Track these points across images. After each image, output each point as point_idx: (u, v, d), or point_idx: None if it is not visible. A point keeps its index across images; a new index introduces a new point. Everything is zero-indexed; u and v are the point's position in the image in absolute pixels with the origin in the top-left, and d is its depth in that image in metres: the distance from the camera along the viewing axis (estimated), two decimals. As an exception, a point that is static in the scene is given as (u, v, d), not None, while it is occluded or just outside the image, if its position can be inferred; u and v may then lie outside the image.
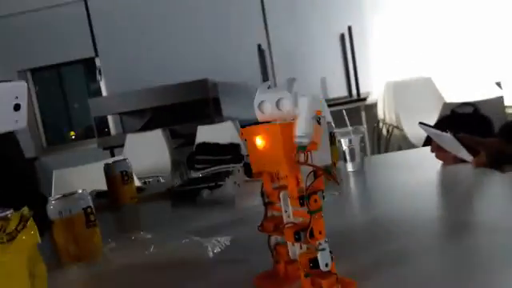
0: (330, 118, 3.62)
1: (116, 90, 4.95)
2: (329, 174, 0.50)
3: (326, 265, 0.50)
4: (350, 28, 4.63)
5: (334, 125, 1.29)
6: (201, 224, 0.92)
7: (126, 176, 1.17)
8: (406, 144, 3.83)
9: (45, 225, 0.76)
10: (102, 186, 1.22)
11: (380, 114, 4.66)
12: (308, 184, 0.49)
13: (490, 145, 0.90)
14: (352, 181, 1.09)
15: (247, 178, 0.57)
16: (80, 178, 2.10)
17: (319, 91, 4.81)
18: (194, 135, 4.05)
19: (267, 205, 0.56)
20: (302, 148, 0.48)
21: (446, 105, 2.65)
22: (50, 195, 2.09)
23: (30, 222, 0.56)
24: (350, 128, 1.16)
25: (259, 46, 4.83)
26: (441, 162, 1.05)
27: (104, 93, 5.22)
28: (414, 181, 1.01)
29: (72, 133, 5.71)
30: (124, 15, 4.98)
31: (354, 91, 4.70)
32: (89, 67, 5.45)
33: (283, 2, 4.83)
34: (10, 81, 0.62)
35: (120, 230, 1.03)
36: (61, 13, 5.04)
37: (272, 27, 4.86)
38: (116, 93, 4.91)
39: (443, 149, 1.00)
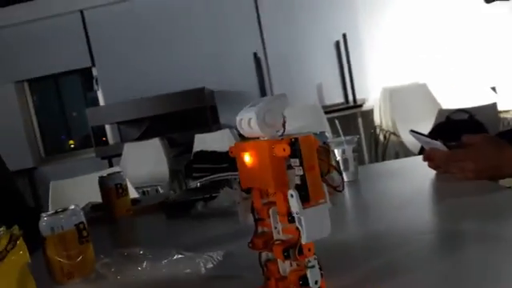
0: (326, 128, 3.63)
1: (113, 99, 4.96)
2: (340, 174, 0.51)
3: (316, 282, 0.50)
4: (344, 35, 4.66)
5: (328, 134, 1.30)
6: (195, 237, 0.91)
7: (121, 189, 1.17)
8: (402, 150, 3.84)
9: (36, 241, 0.76)
10: (100, 197, 1.22)
11: (376, 120, 4.68)
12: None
13: (475, 157, 0.90)
14: (346, 191, 1.09)
15: (245, 195, 0.57)
16: (77, 189, 2.09)
17: (316, 98, 4.83)
18: (191, 143, 4.06)
19: (257, 221, 0.56)
20: None
21: (441, 111, 2.66)
22: (48, 206, 2.09)
23: (20, 242, 0.56)
24: (343, 138, 1.16)
25: (255, 54, 4.85)
26: (434, 171, 1.05)
27: (101, 102, 5.23)
28: (407, 190, 1.01)
29: (71, 141, 5.72)
30: (120, 25, 5.00)
31: (351, 98, 4.72)
32: (86, 77, 5.46)
33: (278, 10, 4.86)
34: None
35: (114, 245, 1.03)
36: (57, 23, 5.06)
37: (267, 35, 4.88)
38: (113, 102, 4.92)
39: (435, 158, 1.01)
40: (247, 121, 0.52)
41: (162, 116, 4.58)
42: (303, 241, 0.47)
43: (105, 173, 1.24)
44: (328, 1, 4.79)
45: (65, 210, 0.78)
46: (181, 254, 0.72)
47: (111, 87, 5.09)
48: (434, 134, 2.27)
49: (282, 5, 4.86)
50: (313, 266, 0.50)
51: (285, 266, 0.53)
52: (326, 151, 1.07)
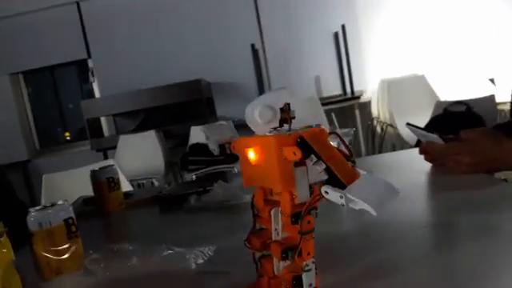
0: (323, 120, 3.61)
1: (109, 91, 4.92)
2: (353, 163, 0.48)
3: (310, 285, 0.49)
4: (343, 26, 4.63)
5: (324, 126, 1.28)
6: (187, 232, 0.90)
7: (113, 183, 1.15)
8: (399, 142, 3.83)
9: (24, 236, 0.74)
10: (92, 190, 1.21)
11: (374, 111, 4.66)
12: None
13: (471, 150, 0.89)
14: (342, 184, 1.08)
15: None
16: (70, 182, 2.08)
17: (313, 90, 4.80)
18: (187, 136, 4.03)
19: (255, 217, 0.54)
20: None
21: (438, 103, 2.65)
22: (40, 200, 2.07)
23: (4, 239, 0.54)
24: (339, 131, 1.14)
25: (253, 46, 4.81)
26: (430, 164, 1.03)
27: (97, 94, 5.19)
28: (404, 183, 0.99)
29: (67, 134, 5.68)
30: (116, 17, 4.96)
31: (349, 89, 4.70)
32: (81, 69, 5.42)
33: (276, 1, 4.82)
34: None
35: (105, 240, 1.01)
36: (53, 15, 5.00)
37: (265, 27, 4.84)
38: (109, 94, 4.88)
39: (432, 151, 0.99)
40: (260, 110, 0.49)
41: (157, 108, 4.55)
42: (373, 212, 0.43)
43: (97, 166, 1.22)
44: (326, -8, 4.75)
45: (53, 204, 0.76)
46: (171, 250, 0.70)
47: (107, 79, 5.05)
48: (432, 126, 2.26)
49: (279, -4, 4.82)
50: (309, 270, 0.48)
51: (280, 265, 0.51)
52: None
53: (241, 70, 4.85)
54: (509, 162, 0.86)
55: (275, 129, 0.49)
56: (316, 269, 0.49)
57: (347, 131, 1.10)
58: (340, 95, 4.75)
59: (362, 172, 0.46)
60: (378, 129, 4.49)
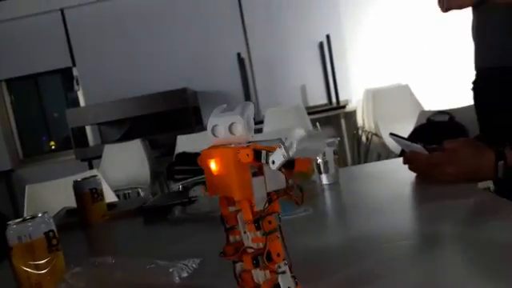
0: (309, 129, 3.62)
1: (94, 99, 4.88)
2: (300, 190, 0.50)
3: (289, 288, 0.49)
4: (328, 36, 4.67)
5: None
6: (171, 244, 0.89)
7: (96, 194, 1.13)
8: (385, 151, 3.87)
9: (4, 250, 0.72)
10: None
11: (359, 121, 4.70)
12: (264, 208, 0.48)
13: (454, 161, 0.90)
14: (327, 194, 1.09)
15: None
16: (53, 192, 2.04)
17: (299, 99, 4.83)
18: (173, 145, 4.01)
19: (228, 230, 0.55)
20: None
21: (422, 113, 2.68)
22: (23, 211, 2.03)
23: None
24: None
25: (239, 55, 4.83)
26: (414, 174, 1.04)
27: (82, 103, 5.14)
28: (387, 193, 1.00)
29: (52, 143, 5.61)
30: (101, 24, 4.93)
31: (334, 99, 4.74)
32: (66, 77, 5.37)
33: (262, 10, 4.85)
34: None
35: (87, 253, 0.99)
36: (37, 22, 4.96)
37: (251, 36, 4.87)
38: (94, 103, 4.84)
39: (415, 161, 1.00)
40: (227, 126, 0.51)
41: (143, 117, 4.52)
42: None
43: (80, 177, 1.20)
44: (312, 2, 4.79)
45: (34, 217, 0.75)
46: (154, 263, 0.69)
47: (92, 87, 5.01)
48: (415, 135, 2.28)
49: (265, 6, 4.85)
50: (283, 272, 0.49)
51: (258, 274, 0.52)
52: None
53: (227, 79, 4.86)
54: (490, 172, 0.88)
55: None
56: (296, 278, 0.49)
57: (332, 141, 1.11)
58: (326, 104, 4.78)
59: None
60: (364, 138, 4.53)
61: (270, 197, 0.49)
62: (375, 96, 4.33)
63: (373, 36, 4.77)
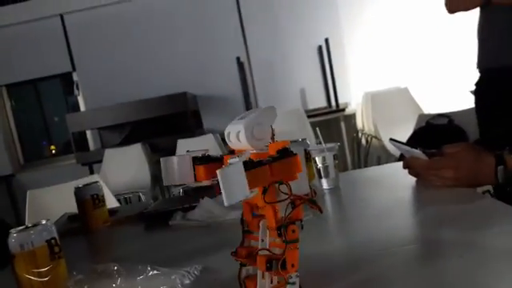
0: (309, 132, 3.63)
1: (94, 104, 4.89)
2: (313, 203, 0.50)
3: (294, 300, 0.49)
4: (327, 40, 4.68)
5: (309, 141, 1.29)
6: (172, 250, 0.89)
7: (97, 200, 1.14)
8: (384, 154, 3.87)
9: (6, 257, 0.73)
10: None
11: (359, 124, 4.71)
12: (287, 213, 0.48)
13: (454, 166, 0.90)
14: (327, 199, 1.09)
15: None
16: (55, 198, 2.04)
17: (299, 102, 4.84)
18: (174, 149, 4.01)
19: (245, 233, 0.55)
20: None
21: (421, 116, 2.68)
22: (25, 216, 2.03)
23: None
24: (323, 145, 1.15)
25: (238, 59, 4.84)
26: (414, 178, 1.05)
27: (82, 107, 5.15)
28: (388, 198, 1.00)
29: (53, 147, 5.61)
30: (101, 29, 4.94)
31: (333, 102, 4.74)
32: (66, 82, 5.37)
33: (261, 14, 4.86)
34: None
35: (89, 259, 1.00)
36: (37, 27, 4.97)
37: (250, 40, 4.87)
38: (94, 107, 4.84)
39: (415, 166, 1.00)
40: (235, 134, 0.51)
41: (143, 121, 4.52)
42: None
43: (81, 183, 1.21)
44: (310, 6, 4.80)
45: (36, 225, 0.75)
46: (156, 270, 0.69)
47: (92, 92, 5.02)
48: (414, 139, 2.28)
49: (264, 10, 4.86)
50: (293, 283, 0.49)
51: (263, 284, 0.52)
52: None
53: (227, 82, 4.86)
54: (490, 177, 0.88)
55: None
56: (301, 286, 0.50)
57: (332, 146, 1.12)
58: (325, 108, 4.79)
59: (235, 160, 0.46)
60: (363, 141, 4.53)
61: (293, 201, 0.49)
62: (374, 99, 4.34)
63: (372, 39, 4.77)
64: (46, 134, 5.61)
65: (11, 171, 5.12)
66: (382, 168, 1.49)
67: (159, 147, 4.42)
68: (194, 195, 1.22)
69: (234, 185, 0.44)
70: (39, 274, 0.72)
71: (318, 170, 1.15)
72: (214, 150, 3.39)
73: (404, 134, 2.34)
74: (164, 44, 4.93)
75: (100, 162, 4.24)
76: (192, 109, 4.64)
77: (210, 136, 3.97)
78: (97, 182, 1.18)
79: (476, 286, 0.52)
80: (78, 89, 5.13)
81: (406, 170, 1.04)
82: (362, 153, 4.50)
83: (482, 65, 1.27)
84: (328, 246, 0.77)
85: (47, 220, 0.76)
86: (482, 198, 0.87)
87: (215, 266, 0.72)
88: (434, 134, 2.29)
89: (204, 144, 3.82)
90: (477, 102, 1.30)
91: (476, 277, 0.54)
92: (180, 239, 0.96)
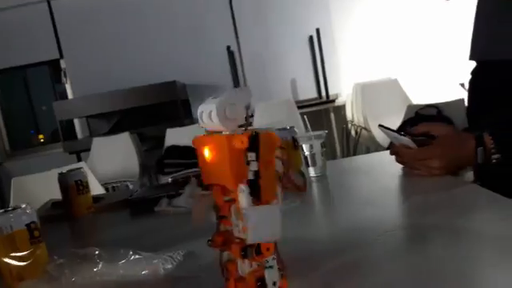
0: (299, 123, 3.62)
1: (82, 92, 4.83)
2: (302, 176, 0.49)
3: (274, 283, 0.49)
4: (318, 30, 4.67)
5: (298, 130, 1.28)
6: (157, 236, 0.89)
7: (82, 186, 1.12)
8: (373, 145, 3.88)
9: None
10: (61, 194, 1.17)
11: (348, 115, 4.72)
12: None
13: (440, 155, 0.91)
14: (314, 186, 1.08)
15: (203, 191, 0.55)
16: (40, 185, 2.02)
17: (290, 93, 4.83)
18: (163, 138, 3.99)
19: (219, 219, 0.53)
20: None
21: (410, 107, 2.69)
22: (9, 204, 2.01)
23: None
24: (311, 133, 1.15)
25: (228, 48, 4.80)
26: (401, 166, 1.05)
27: (70, 95, 5.08)
28: (375, 186, 1.00)
29: (41, 136, 5.54)
30: (89, 16, 4.87)
31: (324, 93, 4.74)
32: (54, 69, 5.30)
33: (252, 4, 4.83)
34: None
35: (70, 245, 0.98)
36: (23, 13, 4.88)
37: (241, 29, 4.84)
38: (82, 95, 4.79)
39: (402, 154, 1.00)
40: (208, 113, 0.49)
41: (132, 110, 4.48)
42: (248, 241, 0.45)
43: (65, 169, 1.19)
44: (302, -4, 4.78)
45: (15, 208, 0.73)
46: (138, 255, 0.68)
47: (80, 80, 4.95)
48: (403, 129, 2.28)
49: (255, -1, 4.84)
50: (271, 267, 0.48)
51: (244, 267, 0.51)
52: (293, 147, 1.06)
53: (217, 71, 4.83)
54: (470, 159, 0.89)
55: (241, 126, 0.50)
56: (282, 270, 0.49)
57: (320, 133, 1.11)
58: (315, 98, 4.79)
59: (279, 196, 0.47)
60: (353, 132, 4.55)
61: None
62: (364, 90, 4.35)
63: (362, 30, 4.77)
64: (33, 123, 5.54)
65: (-3, 159, 5.06)
66: (370, 156, 1.49)
67: (148, 136, 4.40)
68: (183, 183, 1.21)
69: (265, 227, 0.45)
70: (19, 258, 0.70)
71: (306, 158, 1.14)
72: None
73: (393, 125, 2.33)
74: (154, 32, 4.87)
75: (88, 150, 4.20)
76: (181, 98, 4.61)
77: (199, 125, 3.95)
78: (81, 168, 1.16)
79: (461, 272, 0.52)
80: (65, 76, 5.06)
81: (393, 158, 1.04)
82: (351, 144, 4.52)
83: (476, 55, 1.26)
84: (314, 231, 0.77)
85: (27, 204, 0.74)
86: (468, 186, 0.87)
87: (198, 251, 0.71)
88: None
89: (193, 133, 3.79)
90: (472, 89, 1.29)
91: (461, 262, 0.54)
92: (165, 225, 0.96)
